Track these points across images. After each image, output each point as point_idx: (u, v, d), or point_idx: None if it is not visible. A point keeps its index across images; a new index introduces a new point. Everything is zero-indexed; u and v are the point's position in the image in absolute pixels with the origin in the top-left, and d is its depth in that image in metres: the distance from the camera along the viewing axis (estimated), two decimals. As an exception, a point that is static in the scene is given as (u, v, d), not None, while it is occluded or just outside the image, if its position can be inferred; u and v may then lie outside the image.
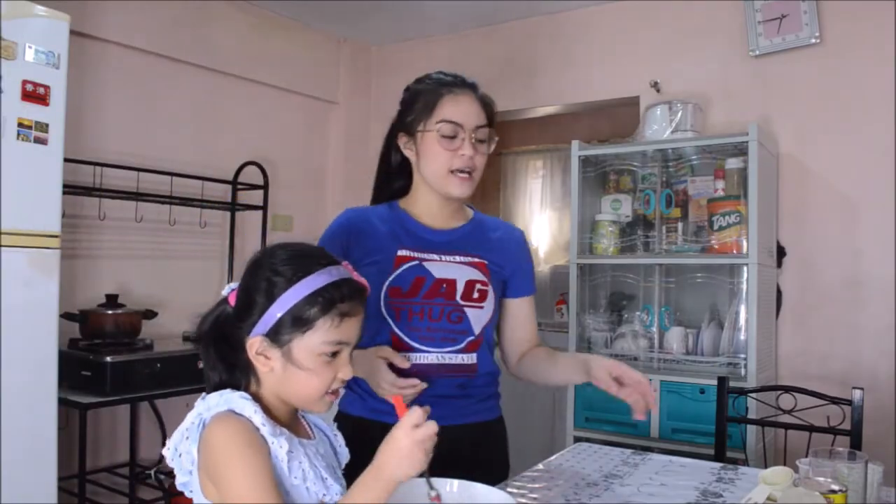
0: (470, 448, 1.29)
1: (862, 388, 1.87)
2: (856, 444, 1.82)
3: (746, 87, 2.98)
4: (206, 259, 3.34)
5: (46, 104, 2.05)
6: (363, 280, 1.04)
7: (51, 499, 2.08)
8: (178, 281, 3.14)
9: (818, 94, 2.83)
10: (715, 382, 2.10)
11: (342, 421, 1.41)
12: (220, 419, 0.93)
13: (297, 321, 0.97)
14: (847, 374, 2.68)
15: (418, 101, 1.40)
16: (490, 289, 1.42)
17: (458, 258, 1.42)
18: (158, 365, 2.55)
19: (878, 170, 2.70)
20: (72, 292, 2.71)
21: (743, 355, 2.54)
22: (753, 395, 2.20)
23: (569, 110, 3.81)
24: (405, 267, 1.38)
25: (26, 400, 2.02)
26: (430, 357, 1.37)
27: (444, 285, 1.38)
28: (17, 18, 1.97)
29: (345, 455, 1.13)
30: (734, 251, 2.61)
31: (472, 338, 1.40)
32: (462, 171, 1.37)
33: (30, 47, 2.01)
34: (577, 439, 2.71)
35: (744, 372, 2.52)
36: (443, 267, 1.40)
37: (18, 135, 1.99)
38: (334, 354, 0.99)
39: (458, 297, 1.38)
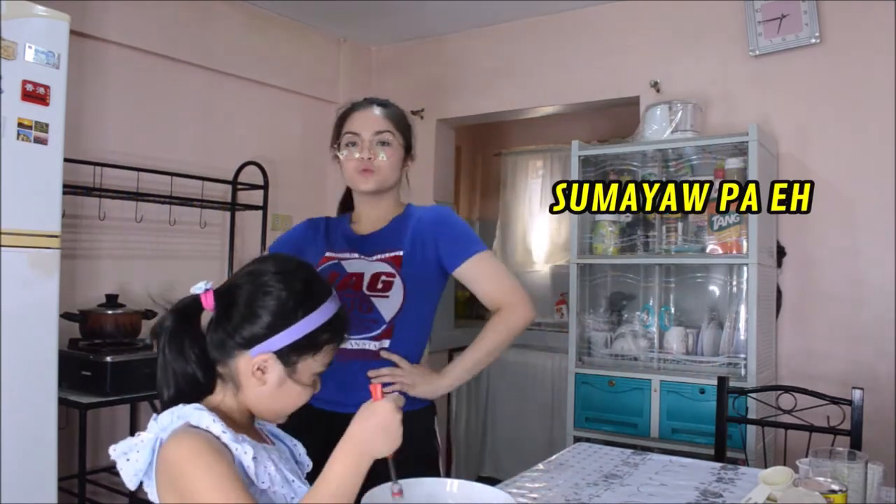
0: None
1: (862, 388, 1.88)
2: (856, 444, 1.82)
3: (746, 87, 2.98)
4: (206, 259, 3.34)
5: (46, 104, 2.05)
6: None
7: (51, 499, 2.08)
8: (178, 281, 3.14)
9: (818, 95, 2.83)
10: (715, 382, 2.10)
11: None
12: (177, 436, 0.92)
13: (311, 345, 1.01)
14: (847, 374, 2.68)
15: (335, 125, 1.65)
16: (397, 279, 1.51)
17: (375, 256, 1.56)
18: (158, 365, 2.55)
19: (878, 170, 2.70)
20: (72, 292, 2.71)
21: (743, 355, 2.54)
22: (753, 395, 2.20)
23: (569, 110, 3.81)
24: (325, 266, 1.57)
25: (26, 400, 2.02)
26: (346, 343, 1.45)
27: (353, 279, 1.53)
28: (17, 18, 1.97)
29: (306, 464, 1.13)
30: (734, 251, 2.61)
31: (384, 326, 1.50)
32: (365, 170, 1.56)
33: (30, 47, 2.00)
34: (577, 439, 2.71)
35: (744, 372, 2.52)
36: (356, 264, 1.56)
37: (18, 135, 1.99)
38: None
39: (364, 289, 1.51)
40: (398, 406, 0.96)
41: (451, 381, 1.54)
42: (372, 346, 1.51)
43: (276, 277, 1.02)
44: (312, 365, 1.03)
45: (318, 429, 1.45)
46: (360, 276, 1.53)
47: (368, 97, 1.67)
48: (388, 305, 1.51)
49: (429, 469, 1.44)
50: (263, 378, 0.99)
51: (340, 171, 1.64)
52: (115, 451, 0.96)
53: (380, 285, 1.52)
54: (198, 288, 1.02)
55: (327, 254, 1.60)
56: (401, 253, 1.54)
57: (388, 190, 1.62)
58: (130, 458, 0.94)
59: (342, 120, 1.63)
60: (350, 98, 1.72)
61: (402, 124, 1.63)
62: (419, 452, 1.46)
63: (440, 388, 1.53)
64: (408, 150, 1.64)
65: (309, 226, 1.70)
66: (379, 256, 1.56)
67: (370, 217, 1.63)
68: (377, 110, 1.61)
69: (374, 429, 0.93)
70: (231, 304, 1.01)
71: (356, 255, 1.57)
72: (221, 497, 0.86)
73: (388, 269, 1.53)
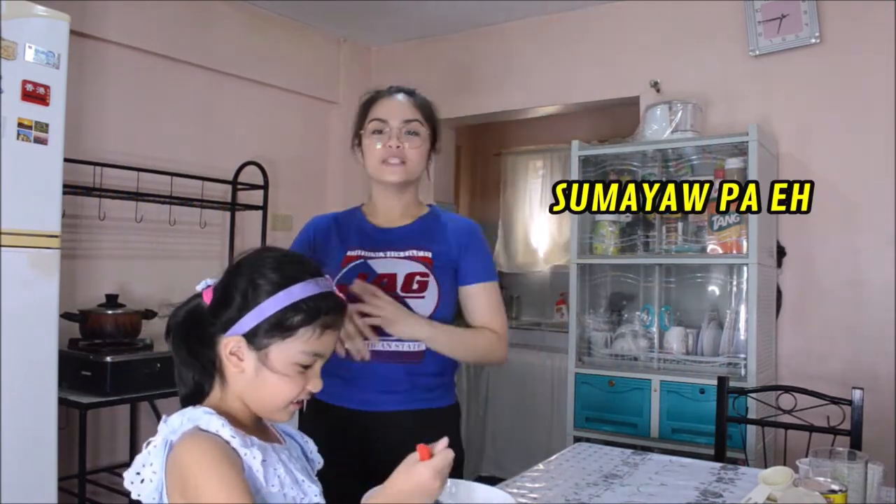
0: (415, 433, 1.23)
1: (862, 388, 1.88)
2: (856, 444, 1.82)
3: (746, 87, 2.98)
4: (206, 259, 3.34)
5: (46, 104, 2.05)
6: (343, 296, 1.05)
7: (51, 499, 2.08)
8: (178, 281, 3.13)
9: (818, 95, 2.83)
10: (715, 382, 2.10)
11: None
12: (188, 438, 0.91)
13: (279, 327, 0.96)
14: (847, 374, 2.68)
15: (359, 112, 1.57)
16: (431, 279, 1.47)
17: (402, 254, 1.49)
18: (158, 365, 2.55)
19: (878, 170, 2.70)
20: (72, 292, 2.71)
21: (743, 355, 2.54)
22: (753, 395, 2.20)
23: (569, 110, 3.81)
24: (351, 266, 1.49)
25: (26, 400, 2.02)
26: (377, 345, 1.44)
27: (386, 280, 1.46)
28: (17, 18, 1.97)
29: (317, 461, 1.12)
30: (734, 251, 2.61)
31: None
32: (392, 159, 1.49)
33: (30, 47, 2.00)
34: (577, 439, 2.71)
35: (744, 372, 2.52)
36: (386, 263, 1.49)
37: (18, 135, 1.99)
38: (307, 365, 0.99)
39: (398, 290, 1.45)
40: (442, 467, 0.93)
41: (430, 332, 1.42)
42: (400, 347, 1.45)
43: (250, 260, 1.01)
44: (288, 351, 0.97)
45: (318, 419, 1.47)
46: (393, 276, 1.46)
47: (395, 85, 1.58)
48: (424, 306, 1.45)
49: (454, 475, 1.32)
50: (241, 365, 0.97)
51: (362, 161, 1.55)
52: (127, 479, 0.94)
53: (415, 286, 1.46)
54: (202, 285, 1.02)
55: (349, 252, 1.51)
56: (430, 254, 1.49)
57: (413, 183, 1.56)
58: (145, 476, 0.93)
59: (367, 106, 1.55)
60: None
61: (430, 115, 1.56)
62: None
63: (419, 332, 1.42)
64: (433, 142, 1.57)
65: (315, 230, 1.59)
66: (410, 254, 1.49)
67: (392, 211, 1.56)
68: (406, 98, 1.54)
69: (411, 490, 0.92)
70: (216, 293, 1.01)
71: (382, 254, 1.50)
72: (225, 500, 0.86)
73: (421, 268, 1.48)
